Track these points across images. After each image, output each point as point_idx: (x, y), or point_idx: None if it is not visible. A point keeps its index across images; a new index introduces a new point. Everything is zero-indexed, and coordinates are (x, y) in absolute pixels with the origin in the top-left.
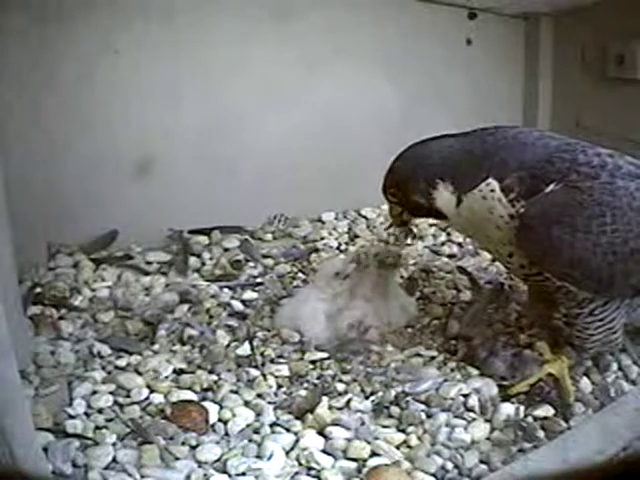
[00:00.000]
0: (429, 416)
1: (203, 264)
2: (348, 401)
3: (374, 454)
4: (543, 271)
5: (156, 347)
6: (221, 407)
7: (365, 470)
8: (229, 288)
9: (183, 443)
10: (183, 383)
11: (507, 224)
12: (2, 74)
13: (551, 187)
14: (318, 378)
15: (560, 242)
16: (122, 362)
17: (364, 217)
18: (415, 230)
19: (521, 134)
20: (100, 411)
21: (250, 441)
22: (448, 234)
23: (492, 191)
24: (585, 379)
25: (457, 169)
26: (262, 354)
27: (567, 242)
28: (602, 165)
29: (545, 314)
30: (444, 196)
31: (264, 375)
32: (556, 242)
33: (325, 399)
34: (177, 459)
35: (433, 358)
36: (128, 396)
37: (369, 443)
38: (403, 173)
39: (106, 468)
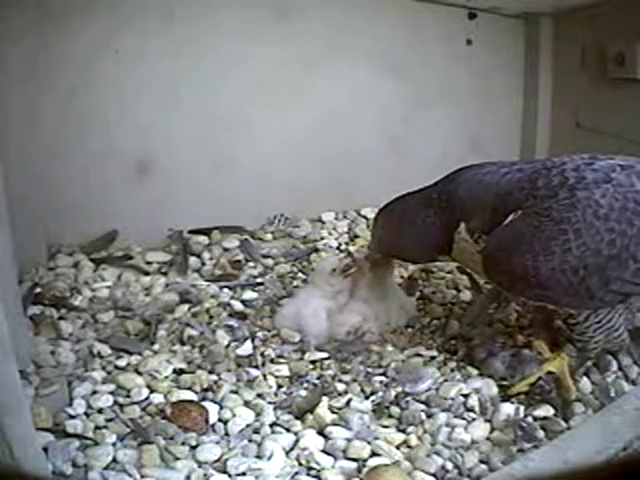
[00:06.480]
0: (429, 416)
1: (203, 264)
2: (348, 401)
3: (374, 454)
4: (517, 297)
5: (156, 347)
6: (221, 407)
7: (365, 470)
8: (229, 288)
9: (183, 443)
10: (183, 383)
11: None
12: (1, 74)
13: (510, 218)
14: (318, 378)
15: (523, 269)
16: (122, 362)
17: (364, 217)
18: None
19: (488, 174)
20: (100, 411)
21: (250, 441)
22: None
23: (459, 233)
24: (585, 379)
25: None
26: (262, 354)
27: (531, 267)
28: (562, 182)
29: (545, 316)
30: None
31: (264, 375)
32: (519, 269)
33: (325, 399)
34: (177, 459)
35: (433, 358)
36: (128, 396)
37: (369, 443)
38: (403, 242)
39: (106, 468)
